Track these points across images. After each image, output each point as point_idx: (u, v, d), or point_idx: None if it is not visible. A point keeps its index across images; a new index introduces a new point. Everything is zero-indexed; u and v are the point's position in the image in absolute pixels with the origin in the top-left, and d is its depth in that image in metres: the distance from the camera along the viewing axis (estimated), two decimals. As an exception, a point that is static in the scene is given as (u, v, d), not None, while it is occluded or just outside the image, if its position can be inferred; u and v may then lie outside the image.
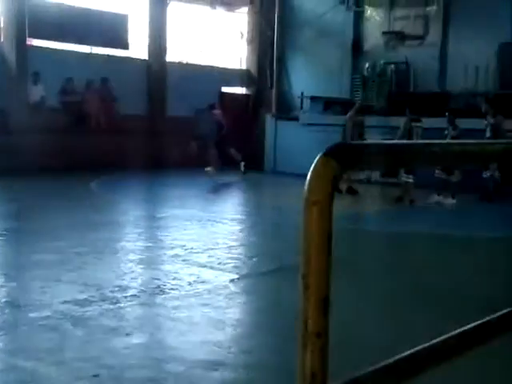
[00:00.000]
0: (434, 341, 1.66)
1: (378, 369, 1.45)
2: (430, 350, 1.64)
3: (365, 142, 1.30)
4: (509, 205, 13.65)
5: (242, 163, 17.96)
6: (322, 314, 1.20)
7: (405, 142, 1.67)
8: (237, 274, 7.06)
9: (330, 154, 1.19)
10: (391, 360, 1.51)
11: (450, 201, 13.60)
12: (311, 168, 1.19)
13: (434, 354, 1.65)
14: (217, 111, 17.82)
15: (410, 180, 13.28)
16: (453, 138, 13.09)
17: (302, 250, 1.19)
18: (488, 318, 1.84)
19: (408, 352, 1.57)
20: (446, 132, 13.56)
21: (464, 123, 14.04)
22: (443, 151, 1.44)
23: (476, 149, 1.70)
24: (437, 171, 13.41)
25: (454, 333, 1.72)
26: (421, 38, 19.28)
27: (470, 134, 12.51)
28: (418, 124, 13.56)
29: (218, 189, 16.06)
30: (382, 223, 11.83)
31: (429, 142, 1.41)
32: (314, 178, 1.18)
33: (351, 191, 14.59)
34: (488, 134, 13.62)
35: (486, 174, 13.86)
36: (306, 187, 1.19)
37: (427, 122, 13.90)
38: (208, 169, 17.28)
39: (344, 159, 1.20)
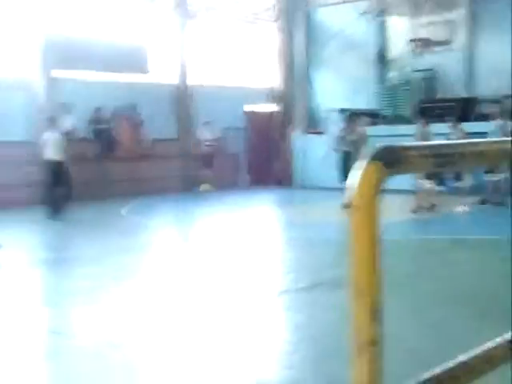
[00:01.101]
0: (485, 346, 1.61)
1: (432, 377, 1.41)
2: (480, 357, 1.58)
3: (409, 144, 1.27)
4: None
5: None
6: (375, 320, 1.17)
7: (450, 142, 1.66)
8: (275, 290, 7.03)
9: (376, 157, 1.16)
10: (444, 367, 1.46)
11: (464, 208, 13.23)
12: (357, 172, 1.16)
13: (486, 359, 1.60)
14: None
15: (432, 186, 12.92)
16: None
17: (351, 256, 1.17)
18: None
19: (460, 359, 1.52)
20: (450, 137, 13.30)
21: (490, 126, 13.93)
22: (491, 149, 1.40)
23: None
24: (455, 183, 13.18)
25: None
26: (447, 43, 19.08)
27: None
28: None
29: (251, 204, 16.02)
30: (418, 232, 11.68)
31: (475, 140, 1.38)
32: (359, 182, 1.15)
33: None
34: (493, 136, 13.33)
35: (492, 178, 13.51)
36: (351, 192, 1.16)
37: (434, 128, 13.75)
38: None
39: (390, 162, 1.17)
